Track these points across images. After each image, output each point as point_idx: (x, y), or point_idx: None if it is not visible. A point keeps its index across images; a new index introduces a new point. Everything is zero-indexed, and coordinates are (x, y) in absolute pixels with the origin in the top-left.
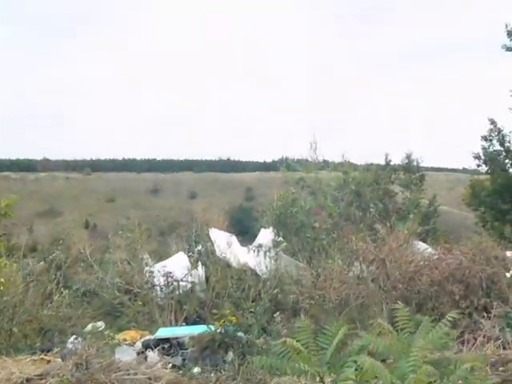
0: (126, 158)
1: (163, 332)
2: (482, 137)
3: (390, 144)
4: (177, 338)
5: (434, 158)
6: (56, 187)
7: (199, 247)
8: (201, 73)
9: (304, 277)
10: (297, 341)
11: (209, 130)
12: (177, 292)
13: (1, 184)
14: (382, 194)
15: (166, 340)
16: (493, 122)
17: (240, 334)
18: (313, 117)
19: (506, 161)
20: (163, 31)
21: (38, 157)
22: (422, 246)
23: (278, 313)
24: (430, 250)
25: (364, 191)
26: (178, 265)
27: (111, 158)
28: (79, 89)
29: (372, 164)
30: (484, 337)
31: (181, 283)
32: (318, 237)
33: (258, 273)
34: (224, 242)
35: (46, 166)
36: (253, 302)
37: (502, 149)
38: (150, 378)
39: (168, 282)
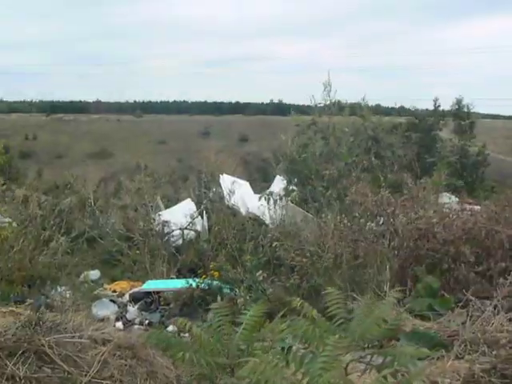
0: (178, 100)
1: (149, 285)
2: None
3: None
4: (159, 293)
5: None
6: (107, 129)
7: (207, 194)
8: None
9: (308, 230)
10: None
11: (259, 72)
12: (179, 241)
13: (55, 125)
14: (428, 140)
15: (154, 293)
16: None
17: (227, 290)
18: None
19: None
20: None
21: (91, 99)
22: (450, 199)
23: (260, 271)
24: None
25: (383, 137)
26: (183, 212)
27: (163, 100)
28: (130, 32)
29: (417, 109)
30: (495, 307)
31: (185, 232)
32: (328, 186)
33: (266, 222)
34: (235, 189)
35: (99, 107)
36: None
37: None
38: (95, 341)
39: (164, 231)
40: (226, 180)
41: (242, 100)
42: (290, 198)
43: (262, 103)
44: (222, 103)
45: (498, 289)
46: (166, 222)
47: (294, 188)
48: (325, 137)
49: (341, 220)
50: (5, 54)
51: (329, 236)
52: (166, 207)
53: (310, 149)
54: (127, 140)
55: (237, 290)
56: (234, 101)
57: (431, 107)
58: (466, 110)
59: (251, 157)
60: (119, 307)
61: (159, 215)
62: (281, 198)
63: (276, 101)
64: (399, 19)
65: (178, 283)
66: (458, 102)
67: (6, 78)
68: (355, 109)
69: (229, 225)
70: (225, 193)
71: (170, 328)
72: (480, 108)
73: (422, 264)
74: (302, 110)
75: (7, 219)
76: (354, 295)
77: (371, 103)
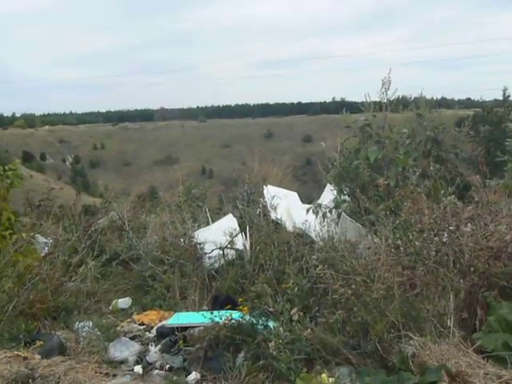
0: (240, 103)
1: (176, 318)
2: None
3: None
4: (187, 329)
5: None
6: (172, 135)
7: (250, 207)
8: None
9: (361, 249)
10: None
11: (320, 71)
12: (216, 264)
13: (121, 134)
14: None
15: (181, 329)
16: None
17: (262, 327)
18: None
19: None
20: None
21: (155, 106)
22: None
23: (295, 309)
24: None
25: (444, 137)
26: (223, 229)
27: (225, 104)
28: (191, 38)
29: (484, 101)
30: None
31: (225, 252)
32: (382, 196)
33: (315, 239)
34: (281, 201)
35: (163, 115)
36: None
37: None
38: None
39: (196, 253)
40: (270, 191)
41: (304, 100)
42: (340, 210)
43: (325, 102)
44: (283, 104)
45: None
46: (200, 243)
47: (346, 198)
48: (379, 140)
49: (393, 241)
50: (71, 67)
51: (380, 261)
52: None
53: (362, 154)
54: (192, 145)
55: (274, 325)
56: (295, 101)
57: (500, 97)
58: None
59: (315, 157)
60: (143, 345)
61: (197, 234)
62: (330, 211)
63: (338, 99)
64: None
65: (207, 317)
66: None
67: (73, 90)
68: (414, 104)
69: (271, 243)
70: (268, 206)
71: (193, 376)
72: None
73: (494, 289)
74: (360, 108)
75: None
76: (411, 334)
77: (436, 96)
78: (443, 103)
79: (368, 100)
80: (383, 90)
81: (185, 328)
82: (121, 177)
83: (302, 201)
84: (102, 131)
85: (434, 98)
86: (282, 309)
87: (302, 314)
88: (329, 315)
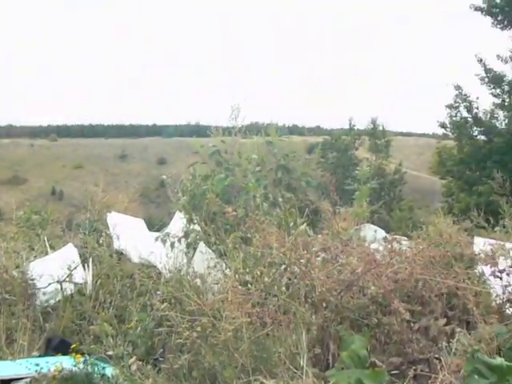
0: (93, 123)
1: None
2: (446, 105)
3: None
4: (9, 382)
5: (403, 122)
6: (20, 154)
7: (92, 236)
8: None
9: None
10: None
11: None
12: (52, 301)
13: None
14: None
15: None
16: (458, 88)
17: (98, 375)
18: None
19: (474, 128)
20: None
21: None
22: (376, 232)
23: (133, 358)
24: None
25: (294, 165)
26: (62, 261)
27: (78, 123)
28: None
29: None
30: (441, 383)
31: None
32: (232, 225)
33: (162, 271)
34: (125, 230)
35: (10, 132)
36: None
37: (470, 115)
38: None
39: (27, 290)
40: (114, 219)
41: (160, 122)
42: (189, 240)
43: (180, 125)
44: (139, 126)
45: (443, 357)
46: (33, 278)
47: (196, 228)
48: (228, 167)
49: (242, 276)
50: None
51: (229, 299)
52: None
53: (210, 181)
54: (42, 165)
55: (112, 374)
56: (151, 123)
57: (347, 126)
58: (381, 128)
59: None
60: None
61: (32, 266)
62: (179, 240)
63: (193, 122)
64: None
65: (32, 368)
66: (373, 120)
67: None
68: (264, 131)
69: (114, 276)
70: (112, 235)
71: None
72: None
73: (346, 322)
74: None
75: None
76: (262, 379)
77: (288, 123)
78: (295, 130)
79: (217, 125)
80: (232, 115)
81: (7, 381)
82: None
83: (154, 225)
84: None
85: (286, 125)
86: (122, 353)
87: (141, 362)
88: (174, 360)
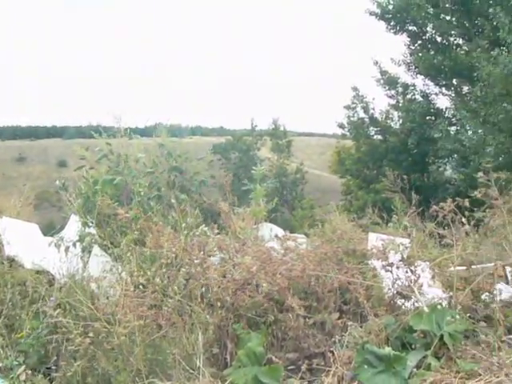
0: None
1: None
2: (344, 106)
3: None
4: None
5: (306, 123)
6: None
7: None
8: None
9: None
10: None
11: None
12: None
13: None
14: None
15: None
16: (356, 90)
17: None
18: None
19: (371, 128)
20: None
21: None
22: (271, 230)
23: (22, 367)
24: (278, 234)
25: (187, 166)
26: None
27: None
28: None
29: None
30: (334, 375)
31: None
32: (125, 228)
33: (56, 276)
34: (17, 235)
35: None
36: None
37: (366, 116)
38: None
39: None
40: (5, 224)
41: (60, 124)
42: (84, 244)
43: (81, 126)
44: (37, 127)
45: (336, 350)
46: None
47: (91, 231)
48: (117, 170)
49: (137, 278)
50: None
51: (121, 302)
52: None
53: (100, 183)
54: None
55: None
56: (49, 125)
57: (249, 126)
58: (282, 129)
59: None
60: None
61: None
62: (74, 244)
63: (94, 123)
64: None
65: None
66: (275, 121)
67: None
68: (154, 132)
69: (4, 284)
70: (3, 240)
71: None
72: (295, 126)
73: (242, 320)
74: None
75: None
76: (157, 381)
77: (192, 124)
78: (198, 131)
79: (98, 126)
80: (117, 117)
81: None
82: None
83: (51, 230)
84: None
85: (190, 126)
86: (11, 364)
87: (30, 371)
88: (66, 367)
